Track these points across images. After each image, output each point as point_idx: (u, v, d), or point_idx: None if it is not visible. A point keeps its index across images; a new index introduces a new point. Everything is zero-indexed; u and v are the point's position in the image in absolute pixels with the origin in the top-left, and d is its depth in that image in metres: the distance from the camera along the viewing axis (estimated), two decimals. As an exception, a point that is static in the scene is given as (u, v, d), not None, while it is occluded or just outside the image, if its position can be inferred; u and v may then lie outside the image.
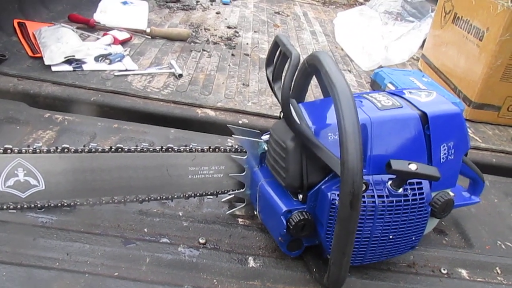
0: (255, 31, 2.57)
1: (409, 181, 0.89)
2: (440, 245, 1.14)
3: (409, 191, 0.89)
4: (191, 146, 1.00)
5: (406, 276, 1.01)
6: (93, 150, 0.94)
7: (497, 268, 1.09)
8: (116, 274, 0.87)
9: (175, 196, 1.03)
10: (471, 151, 1.64)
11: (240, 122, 1.52)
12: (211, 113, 1.55)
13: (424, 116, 0.93)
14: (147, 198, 1.01)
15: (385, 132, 0.90)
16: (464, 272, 1.06)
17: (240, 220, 1.08)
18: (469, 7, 1.96)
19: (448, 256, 1.10)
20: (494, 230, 1.24)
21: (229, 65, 1.99)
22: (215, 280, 0.90)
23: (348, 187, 0.72)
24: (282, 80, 0.88)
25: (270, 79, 0.93)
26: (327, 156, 0.82)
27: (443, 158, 0.96)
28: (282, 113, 0.93)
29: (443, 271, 1.04)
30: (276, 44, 0.90)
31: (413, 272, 1.03)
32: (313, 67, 0.87)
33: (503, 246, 1.18)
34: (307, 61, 0.91)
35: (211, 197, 1.07)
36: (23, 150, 0.90)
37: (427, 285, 1.00)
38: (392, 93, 1.00)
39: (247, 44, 2.33)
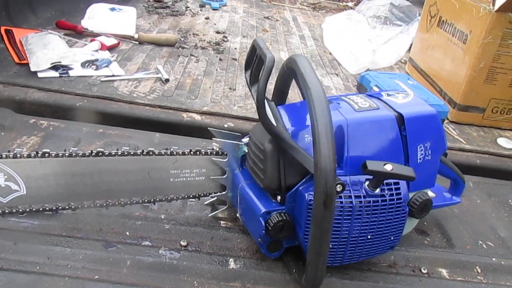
0: (243, 36, 2.59)
1: (386, 181, 0.90)
2: (422, 245, 1.15)
3: (386, 191, 0.90)
4: (172, 149, 1.01)
5: (386, 276, 1.02)
6: (74, 154, 0.95)
7: (477, 267, 1.10)
8: (97, 277, 0.88)
9: (157, 199, 1.04)
10: (456, 152, 1.66)
11: (225, 125, 1.53)
12: (197, 117, 1.56)
13: (400, 118, 0.94)
14: (129, 202, 1.01)
15: (361, 133, 0.91)
16: (444, 272, 1.07)
17: (222, 222, 1.09)
18: (453, 11, 1.98)
19: (429, 256, 1.11)
20: (476, 230, 1.25)
21: (216, 69, 2.00)
22: (195, 282, 0.91)
23: (321, 187, 0.73)
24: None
25: (248, 82, 0.95)
26: (303, 157, 0.83)
27: (420, 159, 0.97)
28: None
29: (423, 270, 1.06)
30: (254, 48, 0.91)
31: (393, 272, 1.04)
32: (291, 70, 0.88)
33: (484, 246, 1.19)
34: (286, 64, 0.92)
35: (194, 200, 1.08)
36: (4, 155, 0.91)
37: (407, 285, 1.01)
38: (370, 95, 1.02)
39: (235, 48, 2.34)
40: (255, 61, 0.89)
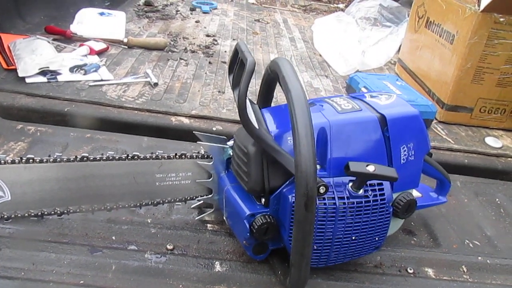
0: (233, 39, 2.60)
1: (370, 182, 0.91)
2: (408, 245, 1.16)
3: (369, 192, 0.91)
4: (157, 153, 1.02)
5: (372, 277, 1.02)
6: (59, 160, 0.95)
7: (463, 266, 1.11)
8: (82, 282, 0.88)
9: (144, 204, 1.04)
10: (444, 152, 1.67)
11: (214, 129, 1.54)
12: (186, 120, 1.56)
13: (383, 119, 0.95)
14: (115, 206, 1.02)
15: (344, 135, 0.91)
16: (430, 271, 1.08)
17: (209, 225, 1.09)
18: (440, 12, 2.00)
19: (415, 255, 1.12)
20: (462, 229, 1.26)
21: (205, 73, 2.00)
22: (181, 286, 0.91)
23: (302, 189, 0.73)
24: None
25: (231, 85, 0.95)
26: (286, 159, 0.84)
27: (403, 159, 0.98)
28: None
29: (409, 270, 1.06)
30: (236, 51, 0.92)
31: (379, 273, 1.04)
32: (274, 73, 0.89)
33: (470, 245, 1.20)
34: (270, 67, 0.93)
35: (180, 203, 1.08)
36: (-13, 162, 0.91)
37: (393, 285, 1.01)
38: (353, 97, 1.03)
39: (225, 52, 2.35)
40: (237, 64, 0.89)
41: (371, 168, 0.87)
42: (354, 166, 0.86)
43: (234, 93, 0.90)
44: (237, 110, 1.66)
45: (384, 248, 1.09)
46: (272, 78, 0.98)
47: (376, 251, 1.01)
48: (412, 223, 1.24)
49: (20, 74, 1.60)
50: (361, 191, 0.90)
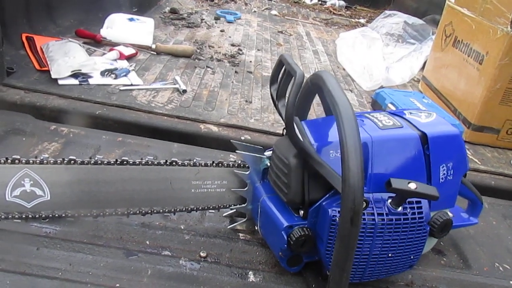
0: (258, 49, 2.61)
1: (409, 200, 0.91)
2: (438, 265, 1.15)
3: (408, 210, 0.91)
4: (195, 161, 1.02)
5: (404, 295, 1.02)
6: (99, 162, 0.96)
7: (495, 289, 1.09)
8: (118, 285, 0.88)
9: (178, 210, 1.04)
10: (470, 172, 1.65)
11: (242, 138, 1.54)
12: (214, 128, 1.57)
13: (424, 137, 0.95)
14: (149, 211, 1.02)
15: (385, 151, 0.91)
16: (462, 293, 1.07)
17: (241, 234, 1.09)
18: (469, 31, 1.99)
19: (446, 276, 1.10)
20: (492, 252, 1.24)
21: (232, 82, 2.02)
22: (215, 294, 0.91)
23: (349, 203, 0.73)
24: (286, 98, 0.90)
25: (274, 97, 0.96)
26: (328, 173, 0.84)
27: (442, 178, 0.97)
28: (285, 130, 0.95)
29: (441, 290, 1.05)
30: (281, 63, 0.93)
31: (411, 291, 1.04)
32: (316, 86, 0.89)
33: (501, 268, 1.18)
34: (311, 80, 0.93)
35: (213, 211, 1.08)
36: (31, 161, 0.92)
37: (425, 304, 1.00)
38: (393, 113, 1.03)
39: (251, 62, 2.36)
40: (283, 77, 0.90)
41: (412, 186, 0.86)
42: (396, 183, 0.86)
43: (279, 105, 0.91)
44: (264, 121, 1.68)
45: (415, 267, 1.08)
46: (312, 91, 0.98)
47: (410, 269, 1.00)
48: (442, 243, 1.23)
49: (53, 76, 1.63)
50: (400, 208, 0.90)
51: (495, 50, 1.76)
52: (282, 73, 0.91)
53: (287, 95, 0.91)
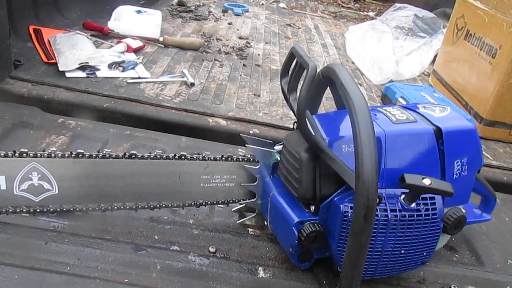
0: (266, 43, 2.59)
1: (422, 196, 0.89)
2: (451, 262, 1.13)
3: (422, 206, 0.89)
4: (204, 155, 1.01)
5: (416, 292, 1.00)
6: (107, 156, 0.95)
7: (508, 287, 1.07)
8: (127, 280, 0.87)
9: (186, 204, 1.03)
10: (482, 168, 1.62)
11: (251, 132, 1.53)
12: (222, 122, 1.56)
13: (438, 131, 0.93)
14: (158, 205, 1.01)
15: (399, 146, 0.89)
16: (474, 290, 1.05)
17: (250, 230, 1.08)
18: (482, 24, 1.96)
19: (458, 273, 1.09)
20: (505, 248, 1.22)
21: (240, 75, 2.00)
22: (225, 290, 0.90)
23: (363, 199, 0.71)
24: (298, 91, 0.88)
25: (285, 90, 0.94)
26: (341, 168, 0.82)
27: (456, 174, 0.95)
28: (295, 124, 0.93)
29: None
30: (292, 56, 0.91)
31: (423, 288, 1.02)
32: (328, 79, 0.87)
33: (514, 265, 1.16)
34: (322, 73, 0.91)
35: (222, 206, 1.07)
36: (38, 154, 0.91)
37: (438, 302, 0.99)
38: (406, 108, 1.00)
39: (259, 55, 2.34)
40: (295, 69, 0.88)
41: (427, 182, 0.84)
42: (410, 179, 0.84)
43: (290, 98, 0.89)
44: (273, 115, 1.67)
45: (427, 263, 1.06)
46: (324, 84, 0.96)
47: (422, 266, 0.98)
48: (454, 239, 1.21)
49: (61, 68, 1.61)
50: (413, 204, 0.88)
51: (509, 43, 1.73)
52: (294, 65, 0.89)
53: (298, 88, 0.90)
